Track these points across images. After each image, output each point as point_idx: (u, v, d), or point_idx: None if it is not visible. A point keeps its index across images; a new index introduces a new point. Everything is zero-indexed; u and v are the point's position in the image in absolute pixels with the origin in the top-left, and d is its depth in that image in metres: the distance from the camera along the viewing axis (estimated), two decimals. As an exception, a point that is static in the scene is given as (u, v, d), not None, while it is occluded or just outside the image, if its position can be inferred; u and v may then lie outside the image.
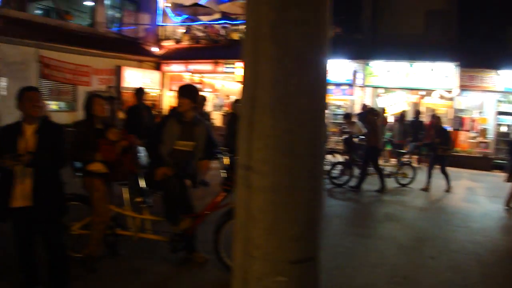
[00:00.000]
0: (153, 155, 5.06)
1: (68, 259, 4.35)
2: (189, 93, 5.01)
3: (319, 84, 1.91)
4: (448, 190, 10.85)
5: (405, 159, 12.32)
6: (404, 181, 11.39)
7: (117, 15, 23.38)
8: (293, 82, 1.83)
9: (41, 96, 4.16)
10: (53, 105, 17.21)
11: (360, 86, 17.93)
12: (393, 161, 13.08)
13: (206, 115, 9.88)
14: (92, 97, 5.16)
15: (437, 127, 11.49)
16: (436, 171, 10.94)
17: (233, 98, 20.80)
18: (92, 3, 21.90)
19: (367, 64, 17.53)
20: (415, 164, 12.66)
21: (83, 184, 5.02)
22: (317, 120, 1.92)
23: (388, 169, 11.58)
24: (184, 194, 5.07)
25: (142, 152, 5.51)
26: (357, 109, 16.54)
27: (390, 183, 11.09)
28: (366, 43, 17.64)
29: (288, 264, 1.91)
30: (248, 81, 1.94)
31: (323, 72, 1.93)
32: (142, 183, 5.32)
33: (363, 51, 17.17)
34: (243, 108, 1.97)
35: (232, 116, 11.24)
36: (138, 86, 8.93)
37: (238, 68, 18.45)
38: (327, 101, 2.03)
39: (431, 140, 11.31)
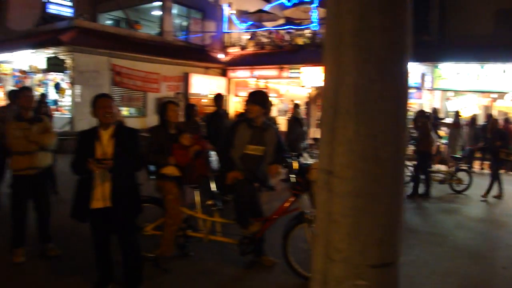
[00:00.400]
0: (224, 159, 5.17)
1: (141, 258, 4.52)
2: (259, 99, 5.07)
3: (401, 90, 1.91)
4: (499, 196, 10.24)
5: (461, 164, 11.68)
6: (458, 188, 10.78)
7: (184, 23, 23.99)
8: (376, 88, 1.85)
9: (113, 103, 4.35)
10: (124, 111, 17.84)
11: (428, 90, 17.45)
12: (444, 167, 12.37)
13: (272, 120, 9.87)
14: (165, 103, 5.34)
15: (496, 130, 10.95)
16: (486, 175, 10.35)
17: (297, 103, 20.86)
18: (160, 13, 22.58)
19: (436, 67, 17.03)
20: (476, 170, 11.99)
21: (156, 187, 5.21)
22: (400, 125, 1.92)
23: (441, 175, 11.08)
24: (254, 198, 5.13)
25: (213, 157, 5.63)
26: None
27: (444, 189, 10.68)
28: (434, 44, 17.13)
29: (368, 268, 1.92)
30: (329, 87, 1.96)
31: (405, 77, 1.93)
32: (213, 187, 5.45)
33: (431, 53, 16.68)
34: (324, 113, 2.00)
35: (294, 120, 11.24)
36: (217, 92, 8.89)
37: (303, 73, 18.43)
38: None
39: (488, 144, 10.72)
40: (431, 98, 17.64)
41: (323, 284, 1.99)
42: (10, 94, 9.07)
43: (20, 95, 5.40)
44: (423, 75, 17.08)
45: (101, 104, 4.25)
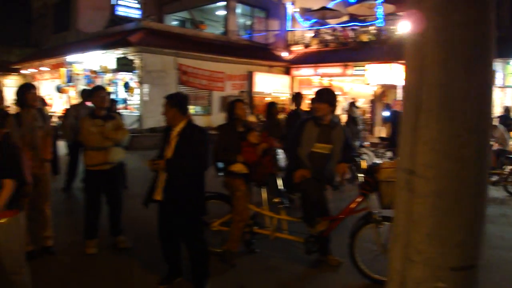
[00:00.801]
0: (292, 157, 5.17)
1: (208, 254, 4.58)
2: (327, 97, 5.04)
3: (486, 88, 1.86)
4: None
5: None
6: None
7: (248, 22, 24.15)
8: (460, 86, 1.80)
9: (171, 104, 4.42)
10: (190, 109, 18.17)
11: (500, 87, 16.70)
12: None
13: (336, 118, 9.72)
14: (233, 101, 5.41)
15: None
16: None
17: (352, 101, 20.54)
18: (224, 12, 22.85)
19: (508, 63, 16.29)
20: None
21: (224, 184, 5.29)
22: (484, 124, 1.86)
23: (495, 177, 10.34)
24: (321, 196, 5.10)
25: (281, 155, 5.64)
26: (497, 112, 15.41)
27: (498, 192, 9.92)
28: (505, 40, 16.34)
29: (449, 271, 1.88)
30: (411, 85, 1.92)
31: (489, 75, 1.87)
32: (280, 185, 5.47)
33: (502, 48, 15.92)
34: (405, 112, 1.96)
35: (349, 118, 11.07)
36: (296, 91, 8.83)
37: (367, 71, 18.13)
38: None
39: None
40: (502, 96, 16.87)
41: (401, 285, 1.96)
42: (83, 93, 9.48)
43: (94, 94, 5.61)
44: (493, 72, 16.30)
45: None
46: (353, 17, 22.03)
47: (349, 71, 19.48)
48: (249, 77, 20.72)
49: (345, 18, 22.67)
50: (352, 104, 12.47)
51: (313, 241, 5.10)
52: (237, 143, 5.13)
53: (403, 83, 1.99)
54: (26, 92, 5.21)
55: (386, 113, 14.26)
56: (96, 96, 5.55)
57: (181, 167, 4.27)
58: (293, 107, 9.10)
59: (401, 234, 1.98)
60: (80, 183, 9.04)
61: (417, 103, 1.86)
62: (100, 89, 5.76)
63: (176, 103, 4.39)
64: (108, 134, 5.36)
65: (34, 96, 5.23)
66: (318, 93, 5.19)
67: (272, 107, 8.65)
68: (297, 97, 8.99)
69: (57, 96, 22.02)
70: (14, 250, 3.61)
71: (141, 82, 17.19)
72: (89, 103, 8.55)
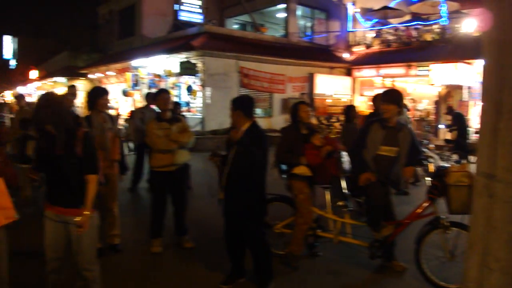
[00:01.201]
0: (356, 160, 5.09)
1: (271, 255, 4.59)
2: (394, 98, 4.92)
3: None
4: None
5: None
6: None
7: (308, 24, 24.08)
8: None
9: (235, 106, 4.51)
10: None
11: None
12: None
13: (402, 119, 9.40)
14: (297, 104, 5.40)
15: None
16: None
17: (425, 101, 19.98)
18: (284, 15, 22.90)
19: None
20: None
21: (288, 186, 5.28)
22: None
23: None
24: (387, 200, 5.00)
25: (345, 157, 5.58)
26: None
27: None
28: None
29: (529, 280, 1.78)
30: (491, 87, 1.84)
31: None
32: (344, 188, 5.40)
33: None
34: (484, 114, 1.88)
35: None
36: (375, 93, 8.44)
37: (432, 71, 17.61)
38: None
39: None
40: None
41: (477, 292, 1.89)
42: (148, 96, 9.77)
43: (158, 97, 5.76)
44: None
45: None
46: (416, 16, 21.52)
47: (413, 71, 19.01)
48: (310, 79, 20.65)
49: (407, 17, 22.18)
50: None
51: (377, 246, 5.00)
52: (301, 146, 5.12)
53: (474, 83, 1.92)
54: (98, 95, 5.44)
55: (448, 121, 13.72)
56: (160, 98, 5.71)
57: (241, 167, 4.32)
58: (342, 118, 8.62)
59: (479, 241, 1.90)
60: (146, 183, 9.35)
61: (497, 104, 1.78)
62: (163, 92, 5.90)
63: (240, 105, 4.46)
64: (174, 137, 5.49)
65: (105, 100, 5.46)
66: (385, 93, 5.08)
67: (350, 110, 8.44)
68: (376, 99, 8.24)
69: (123, 100, 22.74)
70: (90, 247, 3.76)
71: (203, 85, 17.51)
72: (153, 106, 8.81)
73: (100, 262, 3.94)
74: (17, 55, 59.63)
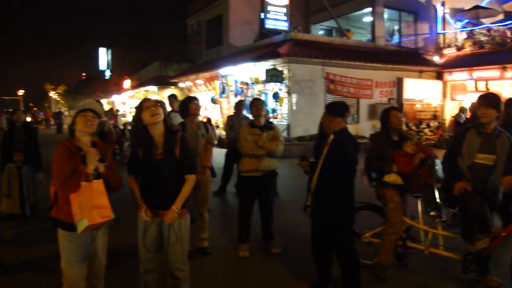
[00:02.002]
0: (451, 168, 4.87)
1: (359, 265, 4.48)
2: (494, 102, 4.62)
3: None
4: None
5: None
6: None
7: (395, 27, 23.54)
8: None
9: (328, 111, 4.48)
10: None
11: None
12: None
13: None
14: (388, 110, 5.27)
15: None
16: None
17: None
18: (370, 19, 22.55)
19: None
20: None
21: (377, 194, 5.16)
22: None
23: None
24: (483, 211, 4.73)
25: (438, 165, 5.34)
26: None
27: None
28: None
29: None
30: None
31: None
32: (437, 197, 5.18)
33: None
34: None
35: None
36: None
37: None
38: None
39: None
40: None
41: None
42: (237, 104, 10.07)
43: (252, 105, 5.90)
44: None
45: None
46: (510, 15, 20.38)
47: (508, 73, 17.95)
48: (398, 84, 20.15)
49: (500, 17, 21.13)
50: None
51: (471, 259, 4.73)
52: (392, 153, 4.99)
53: None
54: (190, 103, 5.68)
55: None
56: (253, 106, 5.84)
57: (330, 174, 4.27)
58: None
59: None
60: (233, 188, 9.58)
61: None
62: (256, 100, 6.03)
63: (332, 111, 4.42)
64: (262, 143, 5.59)
65: (196, 106, 5.68)
66: (484, 97, 4.78)
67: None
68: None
69: (211, 107, 23.40)
70: (183, 248, 3.91)
71: (289, 92, 17.63)
72: (244, 113, 9.06)
73: (191, 264, 4.07)
74: (111, 66, 63.40)
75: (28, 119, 31.74)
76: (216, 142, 6.13)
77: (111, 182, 3.53)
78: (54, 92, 65.43)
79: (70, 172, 3.33)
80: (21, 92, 60.33)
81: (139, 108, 3.86)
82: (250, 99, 19.47)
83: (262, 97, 19.50)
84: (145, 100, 3.95)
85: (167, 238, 3.78)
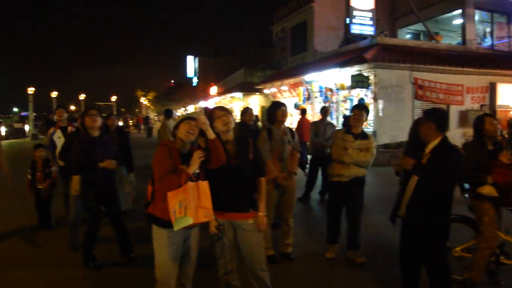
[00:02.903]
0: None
1: (450, 280, 4.29)
2: None
3: None
4: None
5: None
6: None
7: (487, 29, 22.49)
8: None
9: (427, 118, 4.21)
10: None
11: None
12: None
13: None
14: (482, 116, 5.00)
15: None
16: None
17: None
18: (460, 21, 21.74)
19: None
20: None
21: (471, 207, 4.92)
22: None
23: None
24: None
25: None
26: None
27: None
28: None
29: None
30: None
31: None
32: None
33: None
34: None
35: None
36: None
37: None
38: None
39: None
40: None
41: None
42: (322, 110, 10.10)
43: (354, 111, 5.82)
44: None
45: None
46: None
47: None
48: (491, 89, 19.12)
49: None
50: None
51: None
52: (487, 163, 4.73)
53: None
54: (276, 107, 5.73)
55: None
56: (354, 111, 5.77)
57: (429, 186, 4.04)
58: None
59: None
60: (318, 194, 9.58)
61: None
62: (358, 108, 5.85)
63: (432, 117, 4.15)
64: (351, 152, 5.54)
65: (283, 113, 5.70)
66: None
67: None
68: None
69: (295, 113, 23.49)
70: (261, 248, 4.05)
71: (375, 98, 17.31)
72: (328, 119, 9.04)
73: (272, 269, 4.13)
74: (198, 73, 65.50)
75: (120, 123, 33.32)
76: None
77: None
78: (144, 98, 68.44)
79: (169, 170, 3.51)
80: (114, 98, 63.57)
81: (211, 117, 3.97)
82: (335, 105, 19.40)
83: (347, 104, 19.33)
84: (216, 109, 4.10)
85: (248, 241, 3.94)
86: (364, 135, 5.73)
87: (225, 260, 3.98)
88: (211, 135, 3.64)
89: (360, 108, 5.81)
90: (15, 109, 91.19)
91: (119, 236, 5.81)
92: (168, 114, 11.60)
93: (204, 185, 3.54)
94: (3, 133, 37.69)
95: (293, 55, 29.19)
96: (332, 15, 24.86)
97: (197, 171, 3.63)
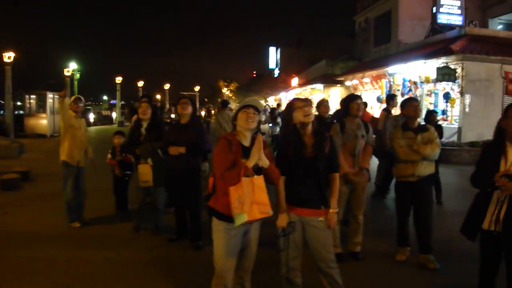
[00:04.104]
0: None
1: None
2: None
3: None
4: None
5: None
6: None
7: None
8: None
9: None
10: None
11: None
12: None
13: None
14: None
15: None
16: None
17: None
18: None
19: None
20: None
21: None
22: None
23: None
24: None
25: None
26: None
27: None
28: None
29: None
30: None
31: None
32: None
33: None
34: None
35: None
36: None
37: None
38: None
39: None
40: None
41: None
42: (400, 104, 9.74)
43: (406, 105, 5.63)
44: None
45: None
46: None
47: None
48: None
49: None
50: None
51: None
52: None
53: None
54: (350, 100, 5.61)
55: None
56: (407, 106, 5.58)
57: None
58: None
59: None
60: (387, 192, 9.35)
61: None
62: (412, 99, 5.78)
63: None
64: (417, 148, 5.28)
65: (358, 106, 5.51)
66: None
67: None
68: None
69: (377, 106, 22.98)
70: (328, 247, 3.93)
71: (462, 92, 16.55)
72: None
73: (339, 268, 4.00)
74: (279, 64, 65.65)
75: (203, 113, 34.20)
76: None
77: (271, 176, 3.61)
78: (226, 89, 69.62)
79: (229, 165, 3.41)
80: (197, 88, 65.03)
81: (290, 108, 3.94)
82: (419, 99, 18.72)
83: (432, 98, 18.65)
84: (296, 100, 4.04)
85: (316, 238, 3.87)
86: (423, 128, 5.48)
87: (288, 257, 3.94)
88: (264, 163, 3.48)
89: (417, 101, 5.76)
90: (105, 97, 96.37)
91: (192, 222, 6.09)
92: (224, 105, 11.61)
93: (259, 179, 3.43)
94: (92, 120, 40.40)
95: (376, 46, 28.57)
96: (418, 4, 24.09)
97: (264, 163, 3.47)
